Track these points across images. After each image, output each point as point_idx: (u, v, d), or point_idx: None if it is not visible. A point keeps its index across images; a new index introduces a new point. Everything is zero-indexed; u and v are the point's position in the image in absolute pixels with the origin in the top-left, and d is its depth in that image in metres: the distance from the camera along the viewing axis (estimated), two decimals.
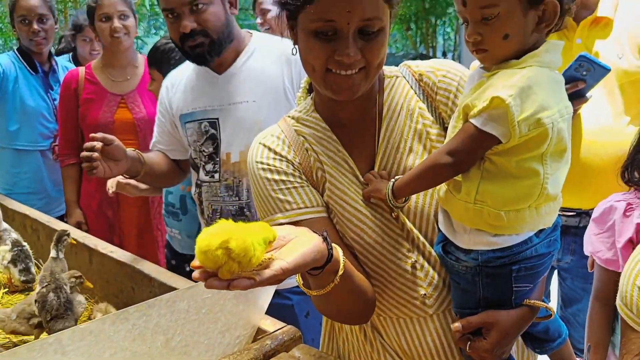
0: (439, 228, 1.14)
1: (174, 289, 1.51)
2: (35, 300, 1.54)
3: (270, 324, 1.40)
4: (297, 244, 0.89)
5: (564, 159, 1.03)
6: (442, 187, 1.10)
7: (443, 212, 1.12)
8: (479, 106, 0.97)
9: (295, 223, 1.11)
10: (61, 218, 2.77)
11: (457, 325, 1.09)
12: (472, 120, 0.99)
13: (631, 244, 1.45)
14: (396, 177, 1.10)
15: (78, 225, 2.64)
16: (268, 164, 1.16)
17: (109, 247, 1.89)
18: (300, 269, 0.87)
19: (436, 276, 1.14)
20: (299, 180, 1.15)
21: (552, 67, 1.02)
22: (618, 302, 1.00)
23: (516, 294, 1.08)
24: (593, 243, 1.58)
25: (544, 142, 0.97)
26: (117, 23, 2.55)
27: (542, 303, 1.11)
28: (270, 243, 0.86)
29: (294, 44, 1.13)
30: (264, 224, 0.86)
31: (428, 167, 1.05)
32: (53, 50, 3.20)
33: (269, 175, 1.15)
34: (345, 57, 1.02)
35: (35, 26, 2.82)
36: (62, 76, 3.01)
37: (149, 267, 1.69)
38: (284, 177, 1.15)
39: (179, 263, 2.33)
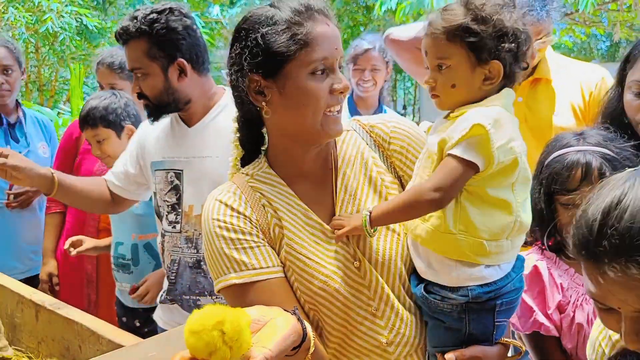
0: (416, 274, 1.19)
1: (122, 346, 1.48)
2: None
3: None
4: (275, 328, 0.91)
5: (528, 191, 1.13)
6: (419, 227, 1.15)
7: (421, 256, 1.17)
8: (458, 136, 1.06)
9: (250, 284, 1.12)
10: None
11: (451, 356, 1.12)
12: (453, 151, 1.07)
13: (561, 306, 1.49)
14: (369, 209, 1.15)
15: (49, 277, 2.63)
16: (225, 221, 1.16)
17: (56, 304, 1.84)
18: (282, 354, 0.90)
19: (397, 322, 1.17)
20: (255, 239, 1.16)
21: (510, 110, 1.14)
22: None
23: (497, 328, 1.16)
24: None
25: (514, 171, 1.08)
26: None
27: (516, 341, 1.20)
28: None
29: (264, 106, 1.16)
30: (238, 308, 0.86)
31: (412, 202, 1.11)
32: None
33: (225, 233, 1.15)
34: (345, 87, 1.13)
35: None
36: (30, 128, 2.97)
37: (96, 324, 1.65)
38: (240, 236, 1.15)
39: (130, 319, 2.29)
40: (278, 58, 1.10)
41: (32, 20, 7.12)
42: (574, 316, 1.45)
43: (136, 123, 2.25)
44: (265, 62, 1.11)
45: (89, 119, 2.24)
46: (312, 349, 0.99)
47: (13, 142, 2.92)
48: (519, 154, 1.08)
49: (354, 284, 1.16)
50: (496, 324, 1.16)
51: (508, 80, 1.15)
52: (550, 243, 1.54)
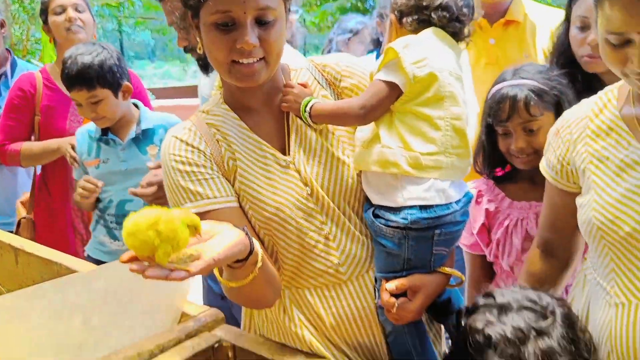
0: (366, 200, 1.27)
1: None
2: None
3: (194, 308, 1.44)
4: (223, 238, 0.97)
5: (462, 114, 1.22)
6: (362, 154, 1.24)
7: (371, 184, 1.25)
8: (379, 63, 1.19)
9: (205, 213, 1.18)
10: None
11: (390, 285, 1.20)
12: (377, 76, 1.20)
13: (485, 228, 1.61)
14: (316, 100, 1.24)
15: (18, 224, 2.58)
16: (180, 155, 1.22)
17: (35, 246, 1.88)
18: (228, 260, 0.96)
19: (349, 244, 1.25)
20: (209, 171, 1.22)
21: (443, 38, 1.25)
22: None
23: (435, 257, 1.23)
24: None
25: (433, 85, 1.17)
26: (71, 13, 2.46)
27: (456, 271, 1.26)
28: (195, 230, 0.91)
29: (199, 42, 1.20)
30: (185, 210, 0.92)
31: (343, 112, 1.24)
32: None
33: (181, 167, 1.21)
34: (245, 44, 1.11)
35: (72, 13, 2.55)
36: None
37: (75, 263, 1.69)
38: (194, 169, 1.21)
39: None
40: (190, 3, 1.15)
41: None
42: (505, 239, 1.56)
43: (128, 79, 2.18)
44: (186, 5, 1.16)
45: (84, 79, 2.04)
46: (259, 264, 1.05)
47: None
48: (436, 69, 1.17)
49: (306, 209, 1.23)
50: (434, 252, 1.23)
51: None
52: (498, 172, 1.64)
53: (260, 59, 1.15)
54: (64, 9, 2.47)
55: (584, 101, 1.28)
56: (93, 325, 1.18)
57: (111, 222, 2.24)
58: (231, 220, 1.12)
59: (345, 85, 1.31)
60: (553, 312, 1.06)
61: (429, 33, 1.25)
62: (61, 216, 2.59)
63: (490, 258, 1.64)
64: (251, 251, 1.02)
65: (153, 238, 0.82)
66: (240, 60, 1.15)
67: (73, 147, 2.28)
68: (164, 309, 1.36)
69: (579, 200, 1.20)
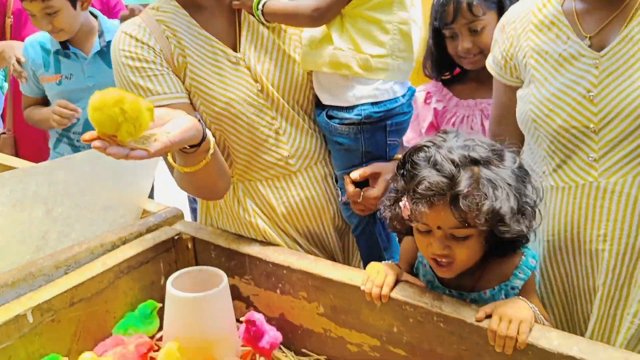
0: (317, 104, 1.32)
1: None
2: None
3: (155, 206, 1.51)
4: (178, 122, 1.00)
5: (409, 19, 1.26)
6: (312, 55, 1.28)
7: (322, 86, 1.30)
8: None
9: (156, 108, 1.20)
10: None
11: (355, 174, 1.28)
12: None
13: (433, 126, 1.70)
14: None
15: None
16: (130, 51, 1.23)
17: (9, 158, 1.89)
18: (183, 143, 1.00)
19: (299, 137, 1.31)
20: (159, 67, 1.23)
21: None
22: None
23: (389, 147, 1.31)
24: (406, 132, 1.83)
25: None
26: None
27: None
28: (151, 115, 0.95)
29: None
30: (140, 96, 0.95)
31: (294, 14, 1.25)
32: None
33: (131, 63, 1.22)
34: None
35: None
36: None
37: None
38: (144, 65, 1.22)
39: None
40: None
41: None
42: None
43: None
44: None
45: None
46: (211, 150, 1.09)
47: None
48: None
49: (257, 105, 1.27)
50: (388, 142, 1.31)
51: None
52: (446, 75, 1.74)
53: None
54: None
55: None
56: (55, 217, 1.23)
57: (77, 141, 2.20)
58: None
59: None
60: (503, 155, 1.04)
61: None
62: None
63: None
64: (204, 137, 1.07)
65: (118, 114, 0.85)
66: None
67: (19, 61, 2.12)
68: (125, 205, 1.42)
69: (519, 93, 1.25)
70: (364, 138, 1.28)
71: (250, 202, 1.33)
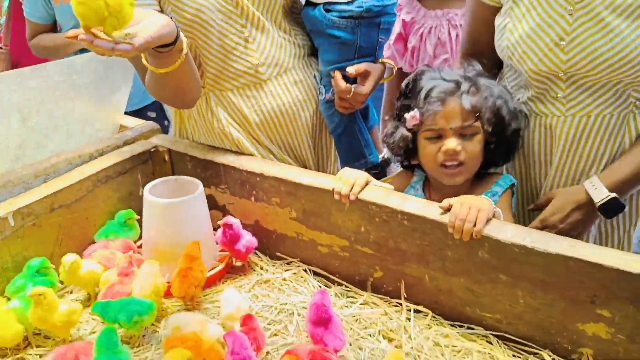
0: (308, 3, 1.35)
1: None
2: None
3: (132, 122, 1.53)
4: (153, 20, 1.01)
5: None
6: None
7: None
8: None
9: None
10: None
11: (350, 69, 1.34)
12: None
13: (401, 37, 1.72)
14: None
15: None
16: None
17: None
18: (161, 40, 1.02)
19: (268, 46, 1.33)
20: None
21: None
22: None
23: (379, 46, 1.39)
24: None
25: None
26: None
27: (390, 61, 1.47)
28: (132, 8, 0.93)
29: None
30: None
31: None
32: None
33: None
34: None
35: None
36: None
37: None
38: None
39: None
40: None
41: None
42: (419, 47, 1.71)
43: None
44: None
45: None
46: (185, 50, 1.11)
47: None
48: None
49: (226, 12, 1.27)
50: (379, 39, 1.38)
51: None
52: None
53: None
54: None
55: None
56: (32, 127, 1.25)
57: None
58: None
59: None
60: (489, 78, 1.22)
61: None
62: None
63: (406, 68, 1.75)
64: (177, 37, 1.07)
65: (102, 8, 0.85)
66: None
67: None
68: (101, 119, 1.44)
69: (497, 22, 1.25)
70: (360, 32, 1.34)
71: (223, 111, 1.35)
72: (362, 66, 1.35)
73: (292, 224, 1.27)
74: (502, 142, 1.19)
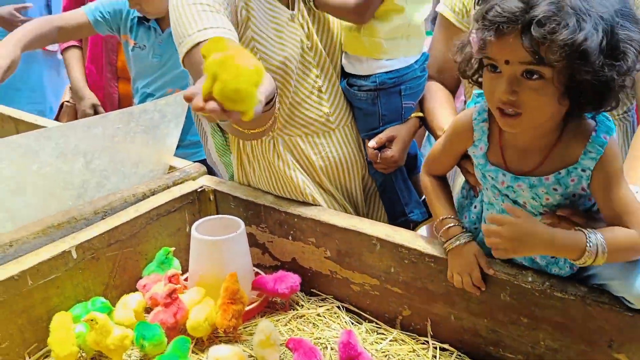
0: (342, 73, 1.44)
1: None
2: None
3: (180, 162, 1.66)
4: (264, 86, 0.94)
5: (426, 1, 1.36)
6: (343, 33, 1.42)
7: (349, 57, 1.41)
8: None
9: (202, 43, 1.18)
10: None
11: (372, 142, 1.40)
12: None
13: None
14: None
15: (93, 108, 2.39)
16: None
17: (34, 117, 2.06)
18: (267, 98, 1.00)
19: (338, 96, 1.43)
20: (217, 6, 1.25)
21: None
22: None
23: (405, 110, 1.43)
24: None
25: None
26: None
27: (420, 113, 1.47)
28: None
29: None
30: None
31: (341, 7, 1.34)
32: None
33: (191, 1, 1.23)
34: None
35: None
36: None
37: None
38: (203, 1, 1.23)
39: None
40: None
41: None
42: None
43: None
44: None
45: None
46: (277, 105, 1.17)
47: None
48: None
49: (305, 62, 1.38)
50: (404, 105, 1.43)
51: None
52: None
53: None
54: None
55: None
56: (94, 168, 1.39)
57: None
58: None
59: None
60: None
61: None
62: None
63: None
64: (274, 99, 1.10)
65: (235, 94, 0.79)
66: None
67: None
68: (152, 162, 1.58)
69: None
70: (381, 103, 1.40)
71: (290, 156, 1.42)
72: (382, 135, 1.40)
73: (327, 263, 1.35)
74: (588, 88, 0.88)
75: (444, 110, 1.43)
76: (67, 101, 2.57)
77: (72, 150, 1.31)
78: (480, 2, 0.95)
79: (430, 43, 1.52)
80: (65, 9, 2.39)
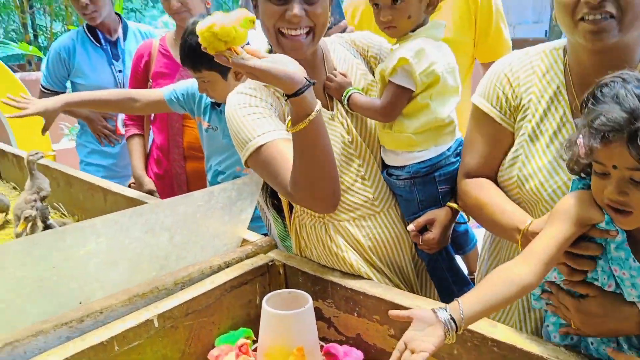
0: (381, 158, 1.55)
1: None
2: None
3: (253, 236, 1.76)
4: (279, 60, 1.21)
5: (451, 95, 1.44)
6: (378, 129, 1.54)
7: (386, 151, 1.53)
8: (391, 65, 1.39)
9: (263, 146, 1.38)
10: None
11: (411, 226, 1.49)
12: (392, 79, 1.41)
13: None
14: (355, 89, 1.50)
15: (151, 193, 2.60)
16: (244, 102, 1.45)
17: (121, 187, 2.25)
18: (278, 81, 1.20)
19: (379, 182, 1.54)
20: (268, 111, 1.45)
21: (436, 38, 1.44)
22: None
23: (441, 194, 1.50)
24: None
25: (435, 86, 1.40)
26: (174, 1, 2.47)
27: (454, 205, 1.52)
28: (252, 23, 1.20)
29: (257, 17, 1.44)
30: (242, 11, 1.20)
31: (369, 108, 1.48)
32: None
33: (245, 111, 1.44)
34: (292, 16, 1.36)
35: (174, 1, 2.50)
36: (131, 44, 2.96)
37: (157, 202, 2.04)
38: (256, 110, 1.44)
39: None
40: None
41: None
42: None
43: None
44: None
45: (190, 61, 1.98)
46: (310, 117, 1.24)
47: (113, 61, 3.00)
48: (440, 72, 1.39)
49: (348, 154, 1.51)
50: (440, 190, 1.50)
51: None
52: None
53: (308, 32, 1.38)
54: None
55: (530, 50, 1.36)
56: (176, 242, 1.51)
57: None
58: (288, 147, 1.35)
59: (370, 54, 1.60)
60: None
61: (425, 40, 1.41)
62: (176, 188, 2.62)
63: None
64: (299, 92, 1.20)
65: (209, 38, 1.16)
66: (288, 32, 1.37)
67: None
68: (228, 235, 1.69)
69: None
70: (417, 190, 1.49)
71: (342, 239, 1.54)
72: (421, 220, 1.48)
73: (391, 341, 1.39)
74: None
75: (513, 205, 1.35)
76: (132, 183, 2.83)
77: (159, 226, 1.44)
78: (585, 110, 1.02)
79: (468, 136, 1.47)
80: None
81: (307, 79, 1.23)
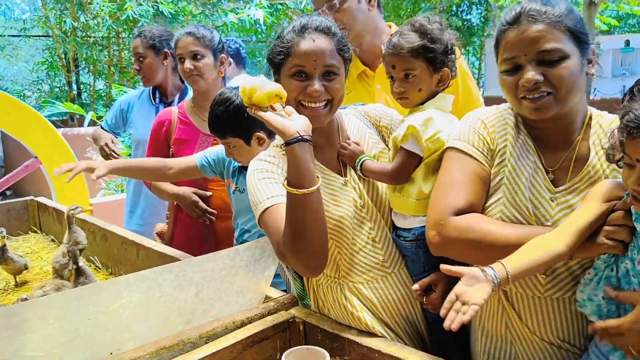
0: (392, 220, 1.65)
1: None
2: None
3: (275, 293, 1.85)
4: (295, 118, 1.42)
5: None
6: (389, 193, 1.64)
7: (395, 213, 1.63)
8: (402, 133, 1.52)
9: (269, 208, 1.50)
10: None
11: (415, 286, 1.56)
12: (403, 145, 1.54)
13: None
14: (368, 156, 1.61)
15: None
16: (262, 168, 1.59)
17: (153, 242, 2.36)
18: (280, 129, 1.37)
19: (390, 245, 1.62)
20: (280, 177, 1.56)
21: (444, 110, 1.58)
22: None
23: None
24: None
25: (441, 149, 1.50)
26: (187, 64, 2.58)
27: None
28: (280, 99, 1.41)
29: None
30: (277, 86, 1.41)
31: (382, 177, 1.60)
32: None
33: (262, 175, 1.57)
34: (313, 91, 1.50)
35: (188, 64, 2.59)
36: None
37: (186, 256, 2.15)
38: (272, 175, 1.57)
39: None
40: (275, 62, 1.56)
41: (114, 8, 7.98)
42: None
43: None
44: (271, 63, 1.59)
45: (216, 129, 2.14)
46: (313, 187, 1.38)
47: None
48: (445, 140, 1.50)
49: (359, 218, 1.60)
50: None
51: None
52: None
53: (327, 103, 1.54)
54: (183, 58, 2.60)
55: (499, 106, 1.48)
56: (202, 297, 1.60)
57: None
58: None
59: (382, 124, 1.73)
60: None
61: (434, 111, 1.54)
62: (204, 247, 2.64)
63: None
64: (292, 142, 1.36)
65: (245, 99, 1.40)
66: (308, 104, 1.52)
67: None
68: (251, 291, 1.78)
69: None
70: (422, 251, 1.56)
71: (356, 300, 1.61)
72: (425, 280, 1.55)
73: None
74: None
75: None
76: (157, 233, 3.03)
77: (187, 282, 1.54)
78: (624, 103, 1.13)
79: (446, 179, 1.46)
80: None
81: (299, 135, 1.37)
